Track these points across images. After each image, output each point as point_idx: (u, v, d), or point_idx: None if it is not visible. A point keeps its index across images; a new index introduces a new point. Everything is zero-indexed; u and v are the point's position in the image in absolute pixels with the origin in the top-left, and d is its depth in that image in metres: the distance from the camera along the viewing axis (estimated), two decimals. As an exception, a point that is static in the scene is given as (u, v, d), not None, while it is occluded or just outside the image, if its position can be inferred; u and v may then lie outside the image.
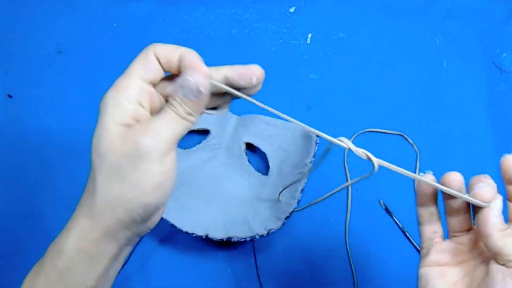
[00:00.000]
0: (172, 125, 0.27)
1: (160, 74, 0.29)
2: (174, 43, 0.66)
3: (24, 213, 0.56)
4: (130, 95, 0.27)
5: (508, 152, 0.59)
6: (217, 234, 0.47)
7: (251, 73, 0.32)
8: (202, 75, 0.29)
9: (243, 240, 0.47)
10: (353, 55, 0.63)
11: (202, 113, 0.29)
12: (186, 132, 0.28)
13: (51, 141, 0.58)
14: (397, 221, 0.56)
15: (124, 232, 0.28)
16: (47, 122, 0.59)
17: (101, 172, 0.27)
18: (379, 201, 0.56)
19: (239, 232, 0.47)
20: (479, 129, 0.60)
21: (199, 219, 0.48)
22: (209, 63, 0.66)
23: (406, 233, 0.56)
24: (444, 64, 0.63)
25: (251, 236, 0.47)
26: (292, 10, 0.65)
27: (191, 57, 0.29)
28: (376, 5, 0.65)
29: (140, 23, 0.63)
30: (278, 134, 0.55)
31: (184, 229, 0.47)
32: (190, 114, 0.28)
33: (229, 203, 0.51)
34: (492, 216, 0.29)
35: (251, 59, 0.63)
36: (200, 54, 0.66)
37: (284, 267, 0.53)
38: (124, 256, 0.31)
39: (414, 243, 0.55)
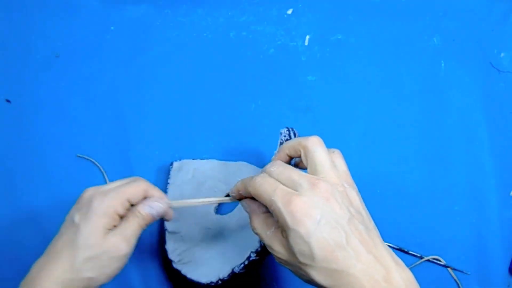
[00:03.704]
0: (136, 232, 0.41)
1: (139, 200, 0.42)
2: (171, 46, 0.67)
3: (23, 216, 0.56)
4: (118, 211, 0.40)
5: (506, 152, 0.60)
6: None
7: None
8: (167, 204, 0.43)
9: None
10: (351, 56, 0.63)
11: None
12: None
13: (49, 145, 0.58)
14: (391, 245, 0.56)
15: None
16: (46, 126, 0.59)
17: (84, 256, 0.38)
18: None
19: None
20: (477, 129, 0.60)
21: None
22: (207, 66, 0.67)
23: (403, 250, 0.56)
24: (442, 64, 0.63)
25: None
26: (289, 12, 0.65)
27: (159, 193, 0.43)
28: (374, 6, 0.65)
29: (137, 26, 0.63)
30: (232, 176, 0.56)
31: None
32: (146, 225, 0.42)
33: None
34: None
35: (249, 62, 0.62)
36: (198, 57, 0.67)
37: None
38: None
39: (416, 254, 0.56)
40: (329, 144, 0.59)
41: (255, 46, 0.63)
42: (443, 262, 0.56)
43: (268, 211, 0.38)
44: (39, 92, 0.60)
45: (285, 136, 0.47)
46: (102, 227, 0.39)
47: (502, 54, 0.64)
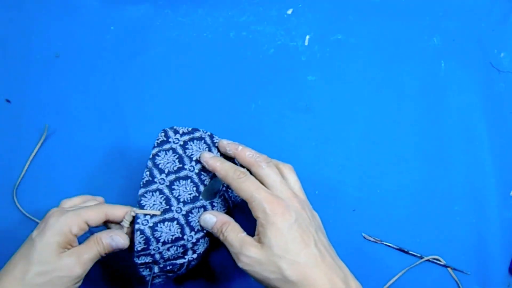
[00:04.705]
0: (93, 257, 0.42)
1: (100, 223, 0.44)
2: (171, 46, 0.67)
3: (24, 217, 0.56)
4: (73, 230, 0.41)
5: (506, 152, 0.60)
6: None
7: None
8: (126, 242, 0.44)
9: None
10: (351, 56, 0.63)
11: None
12: (97, 259, 0.43)
13: (49, 145, 0.58)
14: (391, 245, 0.56)
15: None
16: (45, 126, 0.59)
17: (36, 271, 0.39)
18: (363, 235, 0.56)
19: None
20: (477, 129, 0.60)
21: None
22: (207, 66, 0.67)
23: (403, 249, 0.56)
24: (442, 64, 0.63)
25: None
26: (289, 12, 0.65)
27: (121, 212, 0.45)
28: (374, 6, 0.65)
29: (138, 26, 0.63)
30: None
31: None
32: (105, 253, 0.43)
33: None
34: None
35: (249, 62, 0.63)
36: (198, 57, 0.67)
37: None
38: None
39: (416, 254, 0.55)
40: (329, 144, 0.60)
41: (255, 46, 0.63)
42: (443, 262, 0.56)
43: (232, 220, 0.44)
44: (39, 92, 0.60)
45: (159, 139, 0.47)
46: (55, 244, 0.40)
47: (502, 54, 0.64)
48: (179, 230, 0.44)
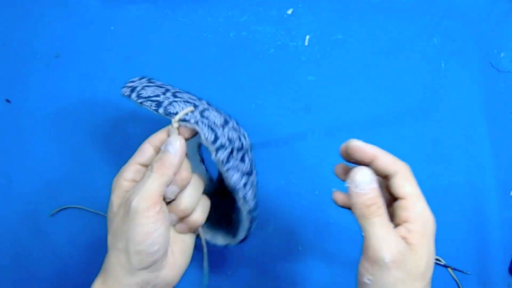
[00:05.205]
0: (152, 184, 0.36)
1: (152, 155, 0.40)
2: (171, 47, 0.67)
3: (25, 216, 0.56)
4: (127, 176, 0.39)
5: (506, 152, 0.60)
6: None
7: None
8: (183, 142, 0.39)
9: None
10: (351, 56, 0.63)
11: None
12: (164, 187, 0.37)
13: (49, 145, 0.58)
14: None
15: (133, 278, 0.36)
16: (45, 126, 0.59)
17: (110, 233, 0.37)
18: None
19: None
20: (477, 129, 0.60)
21: None
22: (207, 66, 0.67)
23: None
24: (442, 64, 0.63)
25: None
26: (289, 12, 0.65)
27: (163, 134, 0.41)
28: (374, 6, 0.65)
29: (137, 26, 0.63)
30: None
31: None
32: (159, 168, 0.37)
33: None
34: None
35: (249, 62, 0.63)
36: (198, 57, 0.67)
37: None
38: None
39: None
40: (329, 144, 0.60)
41: (255, 46, 0.63)
42: (443, 262, 0.56)
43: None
44: (39, 92, 0.60)
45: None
46: (115, 199, 0.38)
47: (502, 54, 0.64)
48: (219, 115, 0.44)
